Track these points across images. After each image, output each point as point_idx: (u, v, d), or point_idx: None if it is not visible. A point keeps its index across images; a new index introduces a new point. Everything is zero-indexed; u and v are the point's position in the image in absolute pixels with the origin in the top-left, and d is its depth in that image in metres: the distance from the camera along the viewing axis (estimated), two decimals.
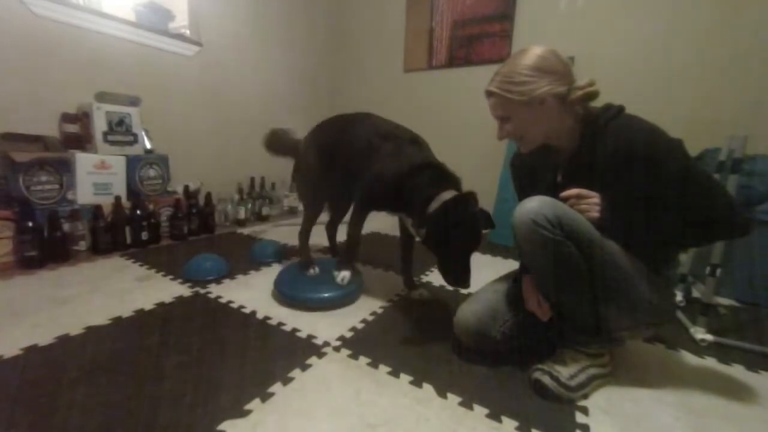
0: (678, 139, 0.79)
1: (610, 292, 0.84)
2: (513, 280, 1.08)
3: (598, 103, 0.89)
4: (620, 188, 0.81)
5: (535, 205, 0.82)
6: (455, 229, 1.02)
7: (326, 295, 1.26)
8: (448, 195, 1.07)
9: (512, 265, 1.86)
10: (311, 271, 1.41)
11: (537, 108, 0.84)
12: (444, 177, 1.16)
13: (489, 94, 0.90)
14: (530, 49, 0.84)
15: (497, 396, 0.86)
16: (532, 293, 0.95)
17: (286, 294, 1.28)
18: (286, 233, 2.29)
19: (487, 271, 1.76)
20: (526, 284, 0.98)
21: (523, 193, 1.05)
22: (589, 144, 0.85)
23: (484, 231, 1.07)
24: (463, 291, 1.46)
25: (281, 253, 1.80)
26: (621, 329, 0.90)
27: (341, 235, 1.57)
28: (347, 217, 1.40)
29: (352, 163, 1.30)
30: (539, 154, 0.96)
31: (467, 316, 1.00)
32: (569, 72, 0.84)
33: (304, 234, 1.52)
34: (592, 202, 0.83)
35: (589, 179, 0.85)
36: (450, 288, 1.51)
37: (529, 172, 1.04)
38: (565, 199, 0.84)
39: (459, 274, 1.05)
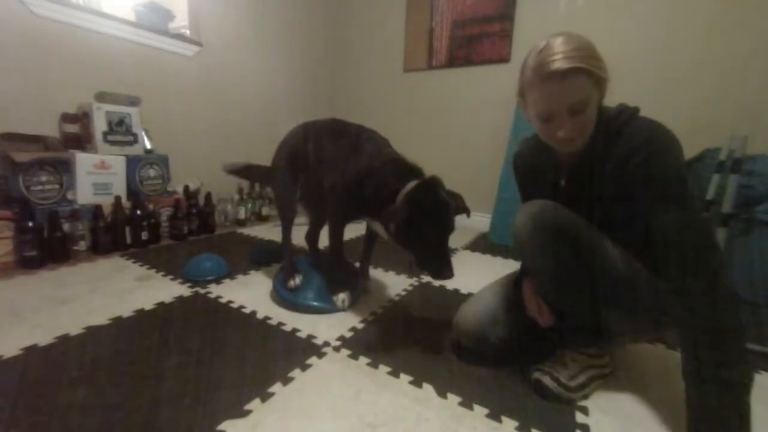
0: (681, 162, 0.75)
1: (611, 297, 0.83)
2: (513, 283, 1.06)
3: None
4: (621, 198, 0.78)
5: (536, 210, 0.81)
6: (424, 218, 0.96)
7: (316, 303, 1.26)
8: (411, 186, 1.02)
9: (512, 265, 1.86)
10: (292, 282, 1.31)
11: (604, 91, 0.77)
12: (405, 169, 1.09)
13: (576, 72, 0.71)
14: (565, 31, 0.75)
15: (497, 396, 0.86)
16: (532, 298, 0.94)
17: (286, 298, 1.28)
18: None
19: (487, 271, 1.76)
20: (526, 289, 0.97)
21: (526, 194, 1.03)
22: (600, 147, 0.79)
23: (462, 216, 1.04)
24: (462, 290, 1.46)
25: (277, 253, 1.79)
26: (622, 333, 0.89)
27: (323, 240, 1.55)
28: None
29: (315, 167, 1.32)
30: (541, 155, 0.94)
31: (467, 318, 1.00)
32: None
33: (286, 248, 1.45)
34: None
35: (595, 185, 0.81)
36: (450, 288, 1.51)
37: (532, 173, 1.00)
38: (565, 203, 0.82)
39: (439, 265, 0.98)
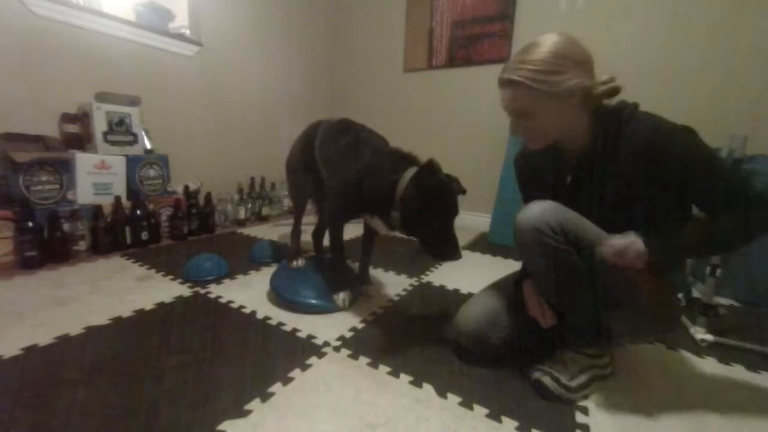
0: (692, 130, 0.77)
1: (612, 299, 0.83)
2: (514, 283, 1.06)
3: None
4: (648, 190, 0.77)
5: (538, 211, 0.81)
6: (431, 203, 0.98)
7: (316, 302, 1.26)
8: (410, 174, 1.04)
9: (512, 265, 1.86)
10: (294, 263, 1.47)
11: (563, 102, 0.76)
12: (400, 159, 1.11)
13: (508, 83, 0.78)
14: (552, 35, 0.76)
15: (497, 396, 0.86)
16: (533, 298, 0.94)
17: (284, 297, 1.28)
18: (286, 233, 2.29)
19: (487, 271, 1.76)
20: (527, 289, 0.97)
21: (527, 193, 1.03)
22: (605, 144, 0.80)
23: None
24: (462, 291, 1.46)
25: (280, 253, 1.79)
26: (621, 333, 0.89)
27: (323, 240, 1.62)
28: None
29: (319, 165, 1.37)
30: (544, 154, 0.92)
31: (467, 321, 1.00)
32: (592, 64, 0.77)
33: (295, 233, 1.61)
34: (635, 250, 0.74)
35: (603, 181, 0.82)
36: (450, 288, 1.51)
37: (534, 172, 1.00)
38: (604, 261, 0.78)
39: (448, 247, 1.01)
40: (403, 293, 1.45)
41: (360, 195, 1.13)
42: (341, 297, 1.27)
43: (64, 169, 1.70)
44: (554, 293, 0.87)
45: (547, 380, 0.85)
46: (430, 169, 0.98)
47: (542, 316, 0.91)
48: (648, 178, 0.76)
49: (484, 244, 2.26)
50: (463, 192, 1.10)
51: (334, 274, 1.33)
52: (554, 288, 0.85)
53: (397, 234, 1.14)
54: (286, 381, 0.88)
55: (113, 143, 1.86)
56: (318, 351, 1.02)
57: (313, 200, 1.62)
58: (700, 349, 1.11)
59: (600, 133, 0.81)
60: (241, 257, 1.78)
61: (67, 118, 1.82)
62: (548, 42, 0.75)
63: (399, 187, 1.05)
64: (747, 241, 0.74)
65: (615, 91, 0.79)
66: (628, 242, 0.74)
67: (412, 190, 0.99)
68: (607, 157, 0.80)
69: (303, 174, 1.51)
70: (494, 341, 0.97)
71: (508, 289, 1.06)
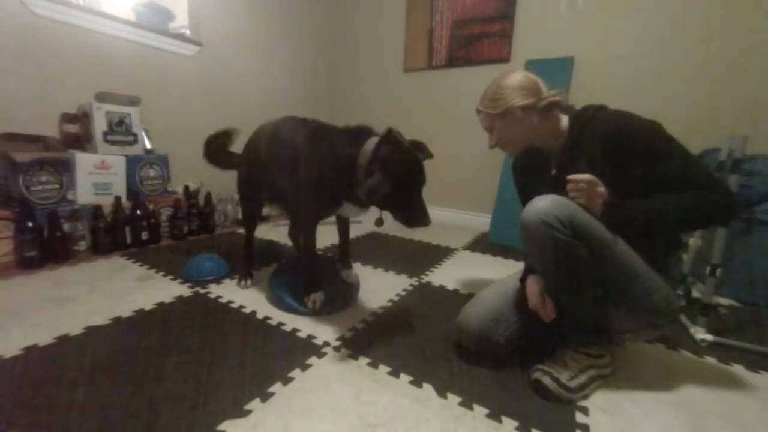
0: (658, 123, 0.86)
1: (617, 293, 0.85)
2: (519, 281, 1.06)
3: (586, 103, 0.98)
4: (612, 169, 0.86)
5: (545, 204, 0.81)
6: (396, 173, 0.94)
7: (291, 302, 1.25)
8: (371, 144, 1.02)
9: (513, 265, 1.86)
10: (243, 283, 1.44)
11: (510, 118, 0.96)
12: (356, 133, 1.08)
13: (477, 111, 1.05)
14: (507, 73, 0.99)
15: (497, 396, 0.86)
16: (535, 292, 0.94)
17: (275, 294, 1.28)
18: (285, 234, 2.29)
19: (488, 271, 1.76)
20: (529, 284, 0.97)
21: (525, 194, 1.07)
22: (576, 137, 0.93)
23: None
24: (462, 291, 1.46)
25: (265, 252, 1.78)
26: (624, 331, 0.90)
27: (321, 240, 1.53)
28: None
29: (273, 167, 1.31)
30: (537, 157, 1.02)
31: (469, 320, 1.00)
32: (536, 86, 0.95)
33: (246, 248, 1.54)
34: (599, 191, 0.83)
35: (580, 167, 0.89)
36: (450, 288, 1.51)
37: (530, 173, 1.07)
38: (569, 184, 0.87)
39: (417, 215, 1.00)
40: (403, 293, 1.45)
41: (328, 185, 1.09)
42: (312, 299, 1.23)
43: (64, 169, 1.70)
44: (562, 289, 0.87)
45: (546, 380, 0.85)
46: (390, 138, 0.97)
47: (543, 309, 0.92)
48: (612, 160, 0.86)
49: (484, 244, 2.26)
50: (431, 156, 1.10)
51: (306, 276, 1.28)
52: (560, 282, 0.86)
53: (372, 211, 1.12)
54: (286, 381, 0.88)
55: (113, 143, 1.86)
56: (318, 351, 1.02)
57: (278, 205, 1.50)
58: (700, 349, 1.11)
59: (572, 129, 0.95)
60: (241, 257, 1.77)
61: (67, 118, 1.82)
62: (498, 78, 0.99)
63: (359, 162, 1.02)
64: (692, 222, 0.87)
65: (554, 103, 0.93)
66: (597, 180, 0.84)
67: (375, 162, 0.97)
68: (577, 146, 0.92)
69: (254, 185, 1.45)
70: (497, 338, 0.97)
71: (511, 287, 1.07)
